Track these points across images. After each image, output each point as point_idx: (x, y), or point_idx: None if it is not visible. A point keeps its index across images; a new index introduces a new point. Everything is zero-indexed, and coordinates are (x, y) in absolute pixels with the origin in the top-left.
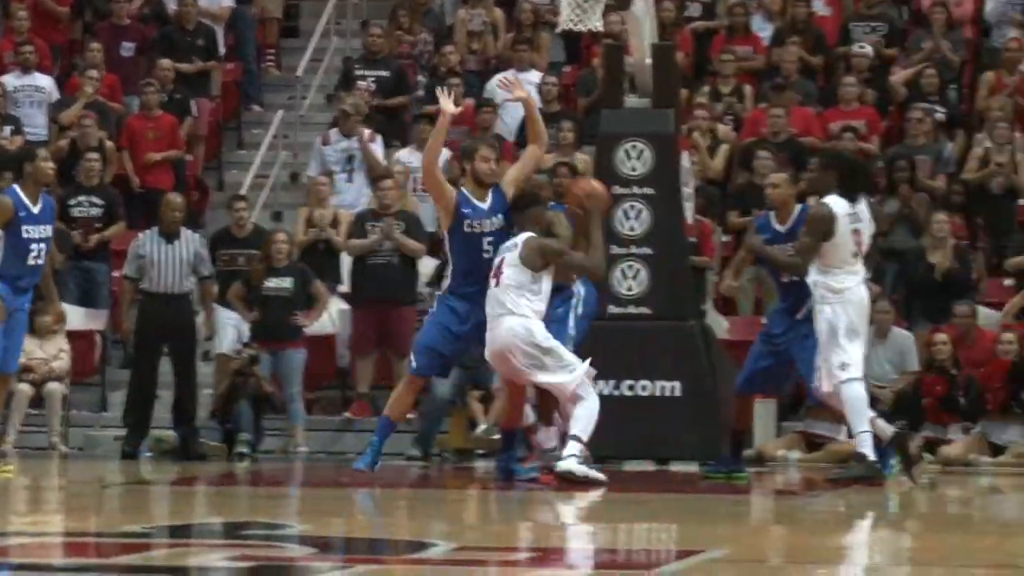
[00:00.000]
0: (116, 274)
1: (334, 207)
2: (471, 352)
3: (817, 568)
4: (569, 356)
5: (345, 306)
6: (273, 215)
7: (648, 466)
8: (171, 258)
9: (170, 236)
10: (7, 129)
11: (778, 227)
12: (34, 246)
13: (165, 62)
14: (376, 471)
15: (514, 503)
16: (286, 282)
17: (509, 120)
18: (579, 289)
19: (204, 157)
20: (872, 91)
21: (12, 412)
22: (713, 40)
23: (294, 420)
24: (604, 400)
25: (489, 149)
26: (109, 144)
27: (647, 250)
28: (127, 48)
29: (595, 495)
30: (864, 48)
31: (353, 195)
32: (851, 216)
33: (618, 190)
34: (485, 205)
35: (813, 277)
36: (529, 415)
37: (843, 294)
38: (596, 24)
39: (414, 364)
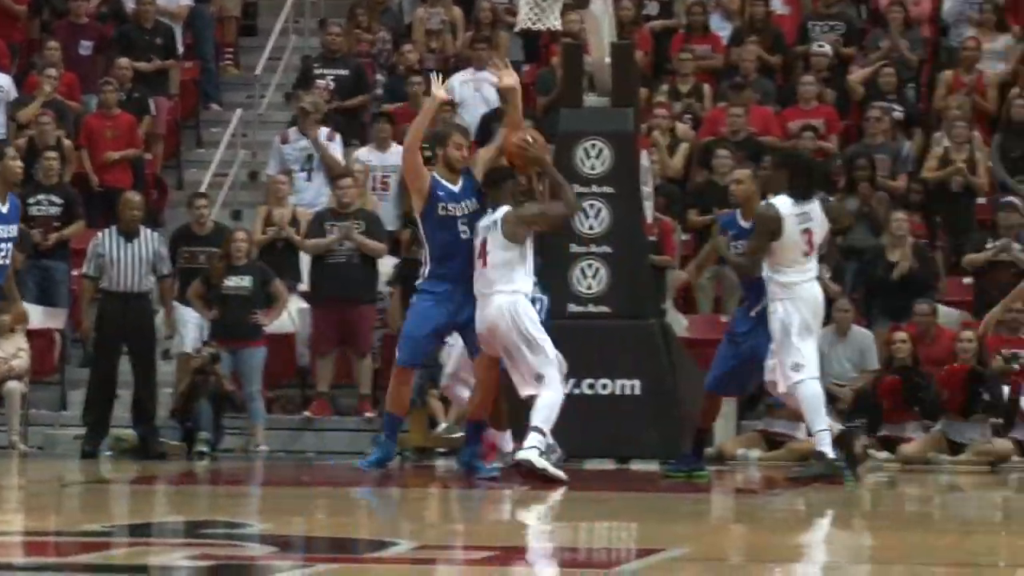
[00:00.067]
0: (75, 273)
1: (293, 206)
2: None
3: (777, 566)
4: (549, 349)
5: (305, 305)
6: (232, 214)
7: (609, 465)
8: (130, 257)
9: (129, 235)
10: None
11: (743, 224)
12: (2, 245)
13: (123, 61)
14: (388, 468)
15: (475, 502)
16: (245, 281)
17: (469, 118)
18: (543, 297)
19: (163, 156)
20: (831, 90)
21: None
22: (672, 39)
23: (254, 419)
24: (564, 399)
25: (461, 135)
26: (67, 143)
27: (607, 249)
28: (85, 47)
29: (556, 494)
30: (823, 47)
31: (312, 194)
32: (800, 216)
33: (577, 189)
34: (457, 189)
35: (766, 276)
36: None
37: (793, 290)
38: (554, 23)
39: (398, 356)
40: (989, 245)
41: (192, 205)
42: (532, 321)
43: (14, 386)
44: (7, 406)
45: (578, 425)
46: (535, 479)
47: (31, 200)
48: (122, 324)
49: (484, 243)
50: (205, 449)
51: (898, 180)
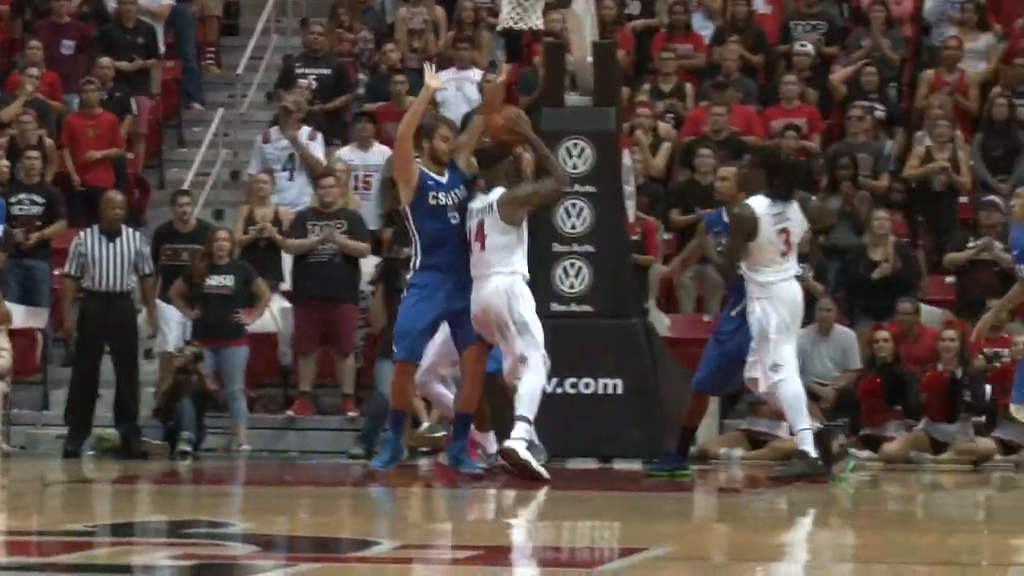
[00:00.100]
0: (57, 272)
1: (275, 205)
2: None
3: (760, 566)
4: (537, 333)
5: (287, 304)
6: (214, 213)
7: (591, 464)
8: (112, 256)
9: (111, 234)
10: None
11: (729, 220)
12: None
13: (105, 60)
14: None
15: (457, 501)
16: (228, 280)
17: (450, 117)
18: None
19: (144, 155)
20: (813, 89)
21: None
22: (653, 38)
23: (236, 418)
24: (547, 398)
25: (448, 128)
26: (49, 142)
27: (589, 248)
28: (67, 46)
29: (538, 493)
30: (805, 47)
31: (294, 193)
32: (777, 216)
33: None
34: (445, 179)
35: (745, 275)
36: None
37: (771, 289)
38: (536, 22)
39: (398, 353)
40: (971, 244)
41: (175, 203)
42: (527, 304)
43: None
44: None
45: (561, 424)
46: (518, 470)
47: (13, 199)
48: (104, 323)
49: (481, 226)
50: (187, 448)
51: (880, 179)
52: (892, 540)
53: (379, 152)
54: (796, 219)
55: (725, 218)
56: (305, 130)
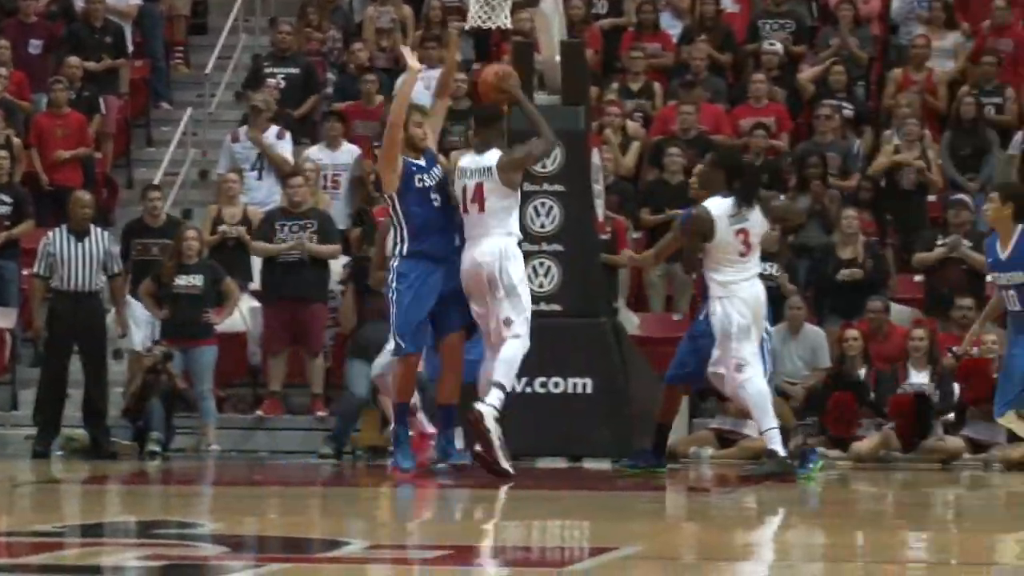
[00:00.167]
0: (26, 272)
1: (244, 205)
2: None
3: (730, 565)
4: (525, 299)
5: (256, 304)
6: (183, 212)
7: (561, 463)
8: (81, 256)
9: (80, 234)
10: None
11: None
12: None
13: (73, 60)
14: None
15: (428, 501)
16: (197, 280)
17: None
18: None
19: (113, 155)
20: (781, 88)
21: None
22: (622, 37)
23: (206, 418)
24: (516, 398)
25: (419, 113)
26: (17, 142)
27: (558, 247)
28: (35, 45)
29: (508, 493)
30: (773, 45)
31: (264, 193)
32: (734, 217)
33: (528, 187)
34: (424, 162)
35: (705, 276)
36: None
37: (731, 289)
38: (504, 21)
39: (402, 346)
40: (939, 243)
41: (145, 197)
42: (518, 268)
43: None
44: None
45: (530, 424)
46: (479, 437)
47: None
48: (73, 323)
49: (480, 188)
50: (156, 449)
51: (850, 178)
52: (862, 539)
53: (348, 151)
54: (755, 219)
55: None
56: (273, 129)
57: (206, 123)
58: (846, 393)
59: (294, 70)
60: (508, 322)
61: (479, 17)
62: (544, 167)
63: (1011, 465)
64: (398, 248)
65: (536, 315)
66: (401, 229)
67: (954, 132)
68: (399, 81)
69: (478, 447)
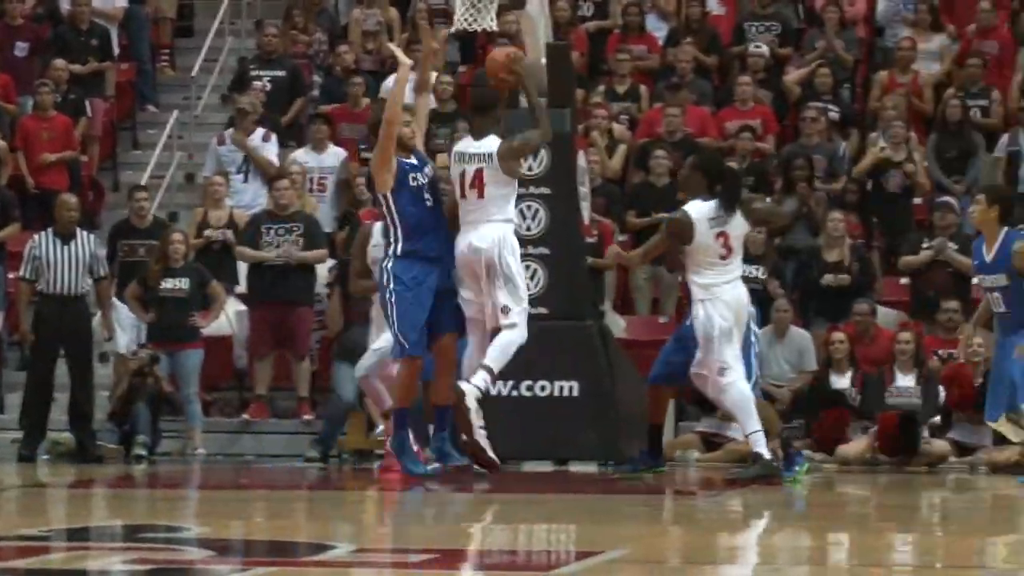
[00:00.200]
0: (11, 276)
1: (230, 207)
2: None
3: (716, 568)
4: (521, 288)
5: (242, 307)
6: (169, 216)
7: (547, 467)
8: (67, 259)
9: (66, 237)
10: None
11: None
12: None
13: (59, 62)
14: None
15: (414, 504)
16: (183, 283)
17: None
18: None
19: (99, 157)
20: (766, 91)
21: None
22: (607, 39)
23: (191, 422)
24: (502, 401)
25: (407, 114)
26: (2, 144)
27: (544, 250)
28: (20, 48)
29: (495, 496)
30: (759, 48)
31: (250, 196)
32: (714, 220)
33: None
34: (415, 162)
35: (687, 279)
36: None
37: (713, 292)
38: (490, 24)
39: (408, 349)
40: (925, 245)
41: (132, 197)
42: (515, 257)
43: None
44: None
45: (516, 427)
46: (459, 415)
47: None
48: (59, 327)
49: (480, 174)
50: (142, 452)
51: (839, 180)
52: (848, 542)
53: (334, 154)
54: (736, 222)
55: None
56: (259, 132)
57: (192, 126)
58: (838, 409)
59: (280, 73)
60: (506, 310)
61: (465, 19)
62: (530, 169)
63: (997, 468)
64: (392, 248)
65: None
66: (395, 229)
67: (940, 135)
68: (390, 80)
69: (465, 437)
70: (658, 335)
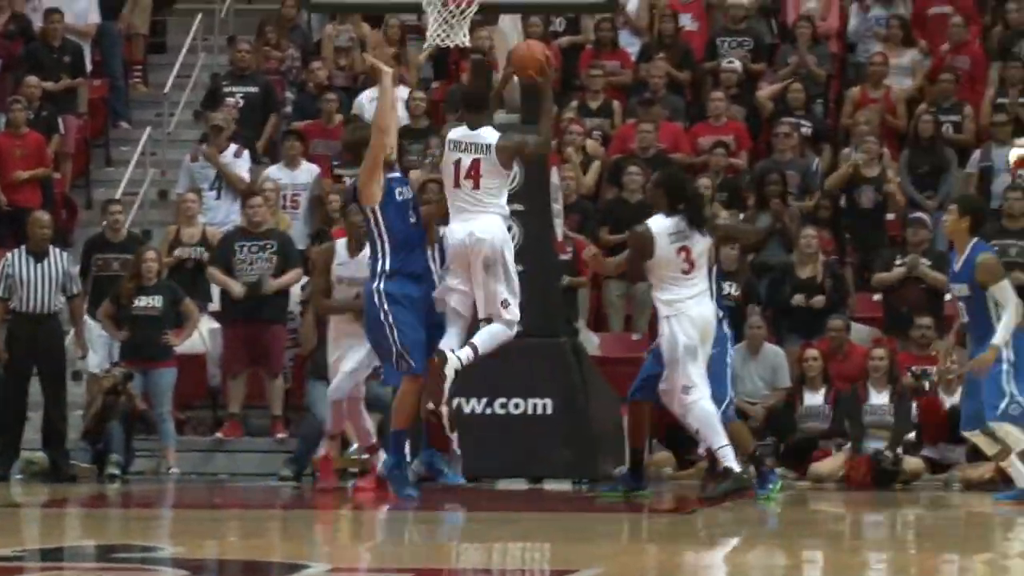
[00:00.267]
0: None
1: (203, 224)
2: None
3: None
4: (516, 284)
5: (216, 325)
6: (143, 233)
7: (521, 484)
8: (40, 277)
9: (38, 255)
10: None
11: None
12: None
13: (31, 79)
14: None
15: (389, 523)
16: (156, 301)
17: None
18: None
19: (72, 175)
20: (740, 106)
21: None
22: (580, 55)
23: (165, 440)
24: (476, 419)
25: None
26: None
27: (518, 267)
28: None
29: (470, 515)
30: (732, 63)
31: (223, 212)
32: (675, 235)
33: None
34: (400, 175)
35: (653, 295)
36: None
37: (676, 307)
38: (463, 40)
39: (412, 366)
40: (898, 262)
41: (106, 211)
42: (511, 251)
43: None
44: None
45: (490, 445)
46: (433, 378)
47: None
48: (32, 345)
49: (476, 164)
50: (116, 471)
51: (812, 196)
52: (822, 560)
53: (307, 170)
54: (697, 237)
55: None
56: (232, 147)
57: (165, 143)
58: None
59: (253, 89)
60: (505, 304)
61: (438, 35)
62: None
63: (971, 485)
64: (379, 265)
65: None
66: (382, 243)
67: (912, 150)
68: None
69: (430, 404)
70: (631, 352)
